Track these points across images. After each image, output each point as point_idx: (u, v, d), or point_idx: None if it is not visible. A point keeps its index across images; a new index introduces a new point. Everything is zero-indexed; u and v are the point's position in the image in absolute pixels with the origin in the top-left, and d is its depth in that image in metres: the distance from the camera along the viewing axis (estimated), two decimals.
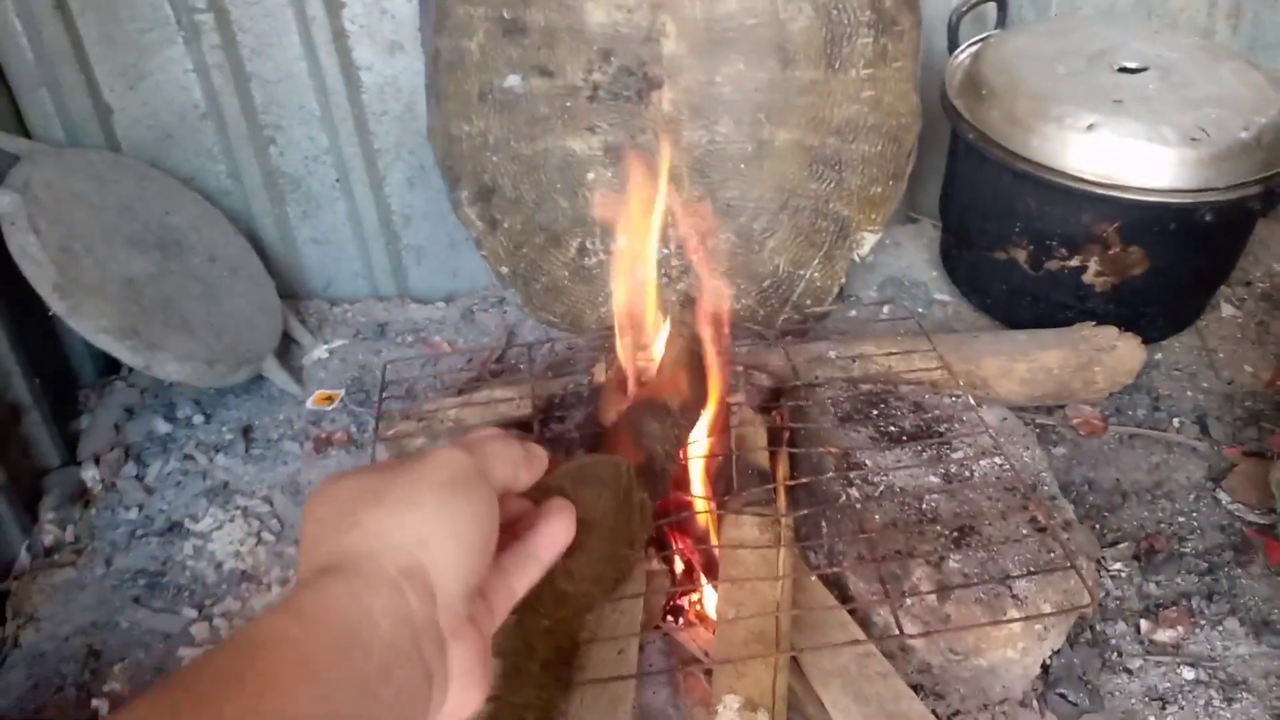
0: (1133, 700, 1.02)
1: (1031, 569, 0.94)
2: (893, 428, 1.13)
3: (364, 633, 0.41)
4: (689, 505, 1.06)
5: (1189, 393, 1.42)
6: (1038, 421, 1.37)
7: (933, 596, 0.94)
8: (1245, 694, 1.02)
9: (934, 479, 1.05)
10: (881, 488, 1.04)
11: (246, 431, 1.40)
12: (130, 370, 1.51)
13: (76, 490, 1.33)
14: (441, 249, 1.72)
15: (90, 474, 1.35)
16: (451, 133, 1.46)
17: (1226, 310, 1.56)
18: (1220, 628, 1.08)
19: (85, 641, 1.11)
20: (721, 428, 1.09)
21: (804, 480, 1.06)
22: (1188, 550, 1.18)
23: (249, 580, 1.17)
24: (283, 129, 1.61)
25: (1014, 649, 0.95)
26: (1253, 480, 1.25)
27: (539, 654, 0.76)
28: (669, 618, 1.05)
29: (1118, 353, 1.36)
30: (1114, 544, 1.19)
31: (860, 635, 0.95)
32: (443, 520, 0.46)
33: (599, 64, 1.39)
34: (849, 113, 1.41)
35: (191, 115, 1.57)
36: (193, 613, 1.14)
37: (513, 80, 1.42)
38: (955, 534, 0.99)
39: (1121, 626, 1.09)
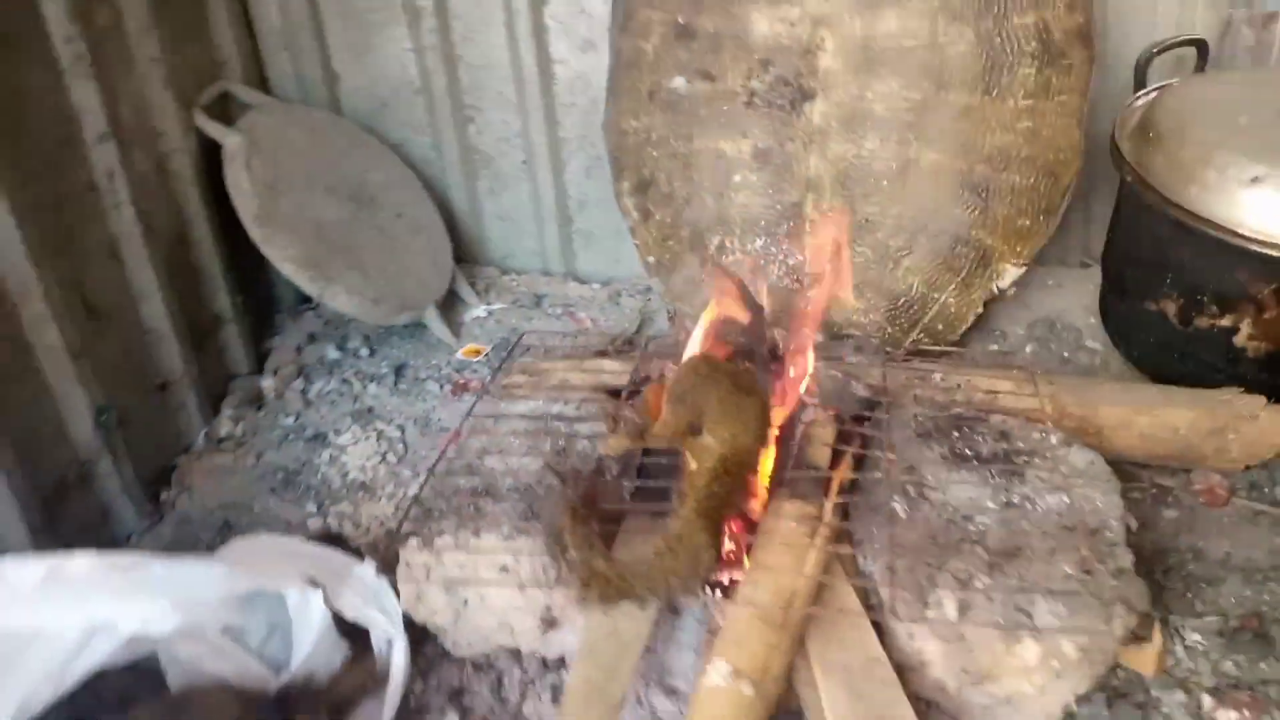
0: None
1: (1060, 602, 0.92)
2: (968, 450, 1.12)
3: None
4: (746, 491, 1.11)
5: None
6: (1156, 481, 1.30)
7: (953, 613, 0.94)
8: None
9: (991, 504, 1.04)
10: (933, 501, 1.05)
11: (400, 369, 1.58)
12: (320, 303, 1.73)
13: (254, 395, 1.55)
14: (609, 236, 1.84)
15: (268, 384, 1.57)
16: (622, 127, 1.57)
17: None
18: None
19: (224, 515, 1.30)
20: (789, 424, 1.13)
21: (857, 479, 1.08)
22: None
23: (365, 490, 1.33)
24: (481, 110, 1.78)
25: (1029, 683, 0.93)
26: None
27: (694, 496, 0.97)
28: (711, 590, 1.10)
29: (1259, 423, 1.26)
30: (1201, 616, 1.12)
31: (872, 635, 0.96)
32: None
33: (758, 72, 1.46)
34: (1002, 141, 1.40)
35: (406, 90, 1.77)
36: (313, 508, 1.31)
37: (679, 81, 1.51)
38: (995, 557, 0.98)
39: (1180, 696, 1.03)
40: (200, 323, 1.51)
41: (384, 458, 1.39)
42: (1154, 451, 1.29)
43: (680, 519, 0.96)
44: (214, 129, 1.48)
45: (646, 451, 1.16)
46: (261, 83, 1.70)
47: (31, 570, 0.81)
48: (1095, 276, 1.68)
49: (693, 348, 1.18)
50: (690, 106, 1.51)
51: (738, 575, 1.09)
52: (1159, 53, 1.48)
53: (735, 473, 1.02)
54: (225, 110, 1.58)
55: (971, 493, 1.06)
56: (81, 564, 0.81)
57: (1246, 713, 1.01)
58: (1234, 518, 1.25)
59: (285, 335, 1.68)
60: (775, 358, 1.19)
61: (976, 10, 1.36)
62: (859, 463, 1.12)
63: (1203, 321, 1.33)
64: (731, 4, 1.43)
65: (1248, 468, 1.30)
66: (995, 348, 1.57)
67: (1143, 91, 1.48)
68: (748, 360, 1.13)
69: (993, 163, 1.41)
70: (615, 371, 1.33)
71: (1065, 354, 1.55)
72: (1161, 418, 1.27)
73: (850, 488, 1.09)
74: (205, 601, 0.86)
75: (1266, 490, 1.29)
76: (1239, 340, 1.31)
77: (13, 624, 0.80)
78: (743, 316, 1.18)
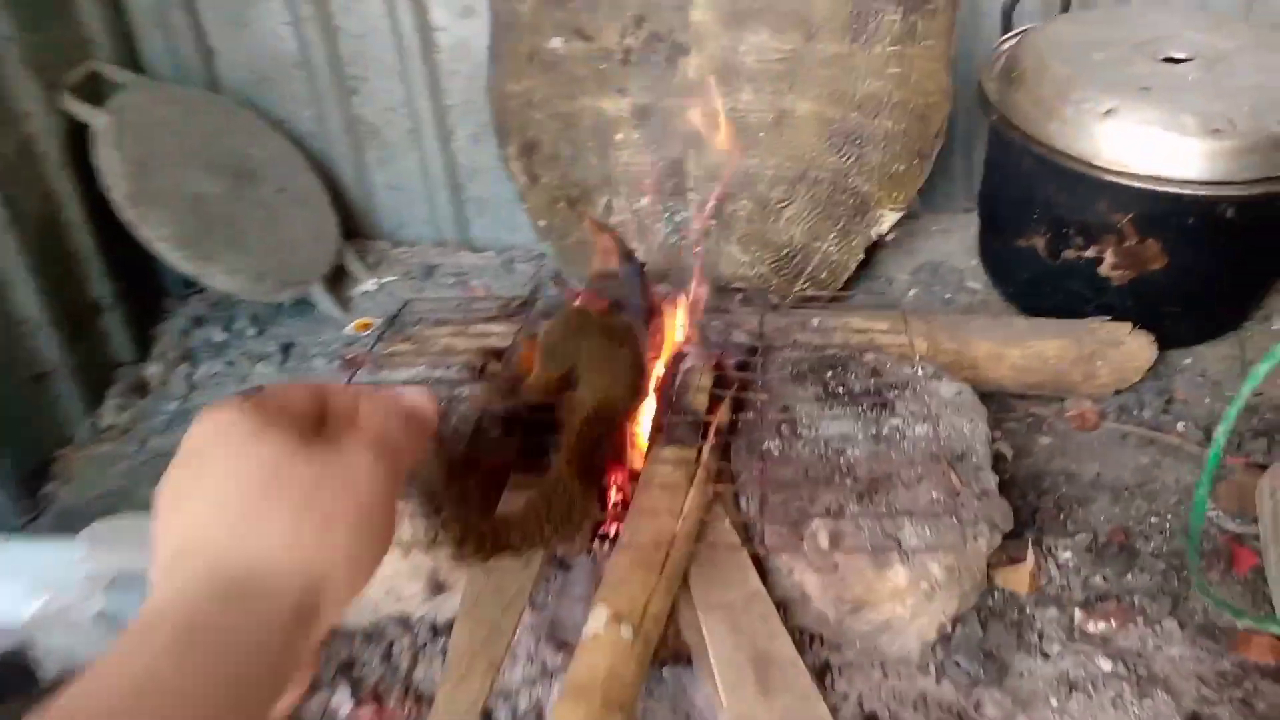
0: (1040, 682, 1.00)
1: (925, 524, 0.95)
2: (840, 389, 1.14)
3: (250, 673, 0.41)
4: (626, 441, 1.12)
5: (1207, 400, 1.35)
6: (1031, 410, 1.34)
7: (825, 543, 0.96)
8: (1162, 692, 0.98)
9: (862, 437, 1.07)
10: (806, 438, 1.07)
11: (287, 347, 1.55)
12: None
13: (139, 383, 1.52)
14: (502, 203, 1.82)
15: (153, 370, 1.53)
16: (504, 90, 1.56)
17: (1278, 323, 1.47)
18: (1157, 626, 1.05)
19: (105, 504, 1.27)
20: (668, 374, 1.14)
21: (735, 421, 1.10)
22: (1149, 550, 1.14)
23: None
24: (365, 81, 1.75)
25: (902, 605, 0.96)
26: (1244, 490, 1.19)
27: (567, 446, 0.96)
28: (600, 542, 1.11)
29: (1125, 349, 1.31)
30: (1073, 535, 1.16)
31: (752, 571, 0.98)
32: (352, 557, 0.46)
33: (632, 29, 1.46)
34: (872, 88, 1.42)
35: (285, 63, 1.73)
36: None
37: (556, 42, 1.51)
38: (864, 487, 1.01)
39: (1053, 612, 1.07)
40: (77, 311, 1.47)
41: None
42: (1027, 381, 1.33)
43: (553, 470, 0.97)
44: (82, 110, 1.43)
45: (532, 410, 1.16)
46: (134, 62, 1.65)
47: None
48: (977, 220, 1.73)
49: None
50: (569, 66, 1.51)
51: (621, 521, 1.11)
52: None
53: (608, 423, 1.03)
54: (96, 91, 1.53)
55: (843, 428, 1.09)
56: None
57: (1114, 622, 1.06)
58: (1104, 440, 1.30)
59: (171, 321, 1.64)
60: (653, 310, 1.20)
61: None
62: (739, 406, 1.14)
63: (1070, 254, 1.37)
64: None
65: (1117, 392, 1.35)
66: (883, 293, 1.61)
67: (1008, 34, 1.51)
68: (623, 313, 1.14)
69: (865, 109, 1.43)
70: (500, 335, 1.33)
71: (947, 295, 1.59)
72: (1032, 348, 1.31)
73: (730, 430, 1.11)
74: (65, 582, 0.84)
75: (1135, 412, 1.34)
76: (1104, 270, 1.35)
77: None
78: (618, 269, 1.18)
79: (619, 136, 1.52)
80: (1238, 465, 1.24)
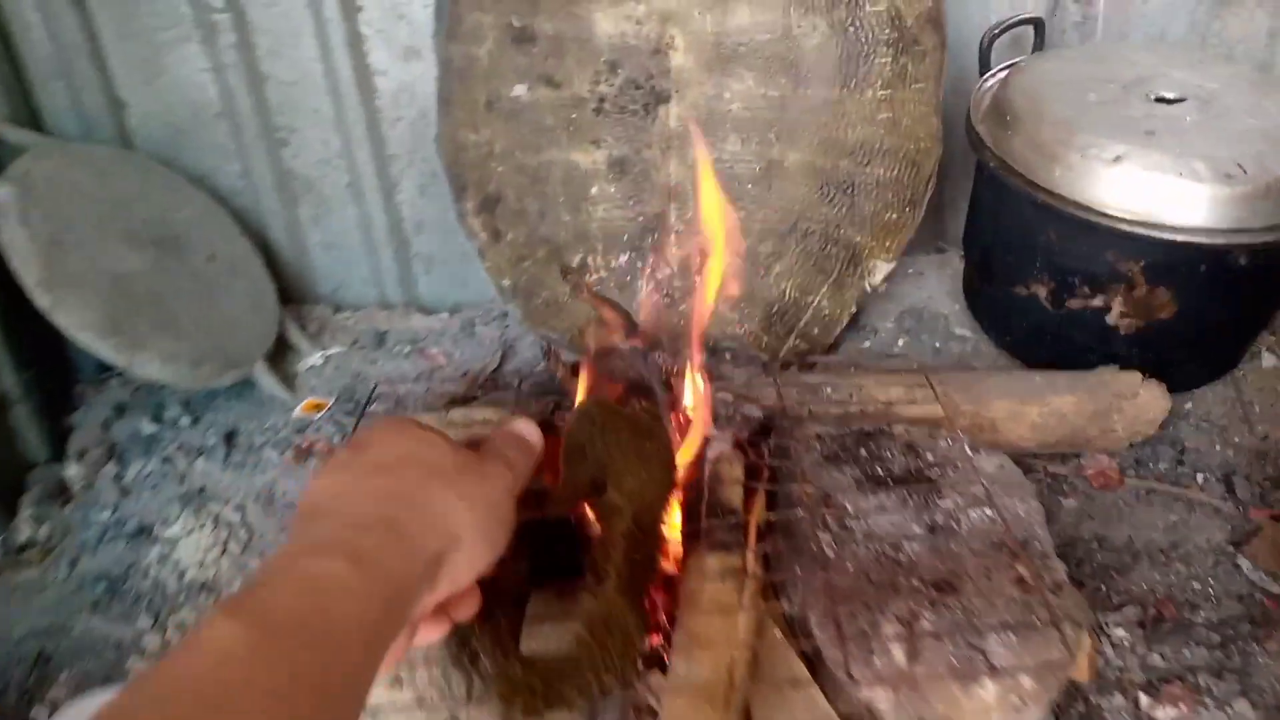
0: None
1: (1011, 633, 0.87)
2: (879, 470, 1.06)
3: (404, 593, 0.51)
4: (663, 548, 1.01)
5: (1218, 447, 1.32)
6: (1050, 470, 1.29)
7: (901, 657, 0.87)
8: None
9: (916, 529, 0.98)
10: (858, 534, 0.98)
11: (230, 437, 1.38)
12: None
13: (58, 487, 1.32)
14: (452, 259, 1.69)
15: (73, 471, 1.34)
16: (458, 140, 1.43)
17: (1268, 360, 1.46)
18: (1228, 709, 1.00)
19: (37, 645, 1.09)
20: (696, 460, 1.03)
21: (773, 519, 1.00)
22: (1199, 620, 1.09)
23: (208, 591, 1.15)
24: (296, 131, 1.59)
25: None
26: (1278, 546, 1.16)
27: (613, 569, 0.83)
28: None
29: (1140, 401, 1.27)
30: (1119, 608, 1.10)
31: (820, 696, 0.88)
32: (479, 534, 0.58)
33: (606, 76, 1.35)
34: (864, 134, 1.35)
35: (205, 113, 1.56)
36: (148, 622, 1.11)
37: (519, 89, 1.38)
38: (933, 590, 0.92)
39: (1119, 700, 1.01)
40: None
41: (225, 548, 1.21)
42: (1045, 440, 1.28)
43: (601, 599, 0.85)
44: None
45: (545, 519, 1.04)
46: (33, 120, 1.45)
47: None
48: (952, 261, 1.68)
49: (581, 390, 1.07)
50: (534, 116, 1.39)
51: (660, 642, 0.99)
52: (1000, 33, 1.48)
53: (650, 532, 0.91)
54: None
55: (894, 518, 1.00)
56: None
57: (1184, 707, 1.00)
58: (1129, 499, 1.25)
59: (88, 410, 1.45)
60: (667, 387, 1.09)
61: (829, 0, 1.29)
62: (770, 499, 1.04)
63: (1075, 303, 1.33)
64: (572, 3, 1.31)
65: (1130, 445, 1.31)
66: (868, 344, 1.54)
67: (990, 73, 1.47)
68: (642, 396, 1.03)
69: (856, 157, 1.35)
70: (488, 421, 1.20)
71: (937, 344, 1.53)
72: (1049, 405, 1.26)
73: (767, 529, 1.01)
74: None
75: (1152, 466, 1.30)
76: (1111, 319, 1.31)
77: None
78: (624, 344, 1.07)
79: (594, 190, 1.40)
80: (1263, 519, 1.21)
